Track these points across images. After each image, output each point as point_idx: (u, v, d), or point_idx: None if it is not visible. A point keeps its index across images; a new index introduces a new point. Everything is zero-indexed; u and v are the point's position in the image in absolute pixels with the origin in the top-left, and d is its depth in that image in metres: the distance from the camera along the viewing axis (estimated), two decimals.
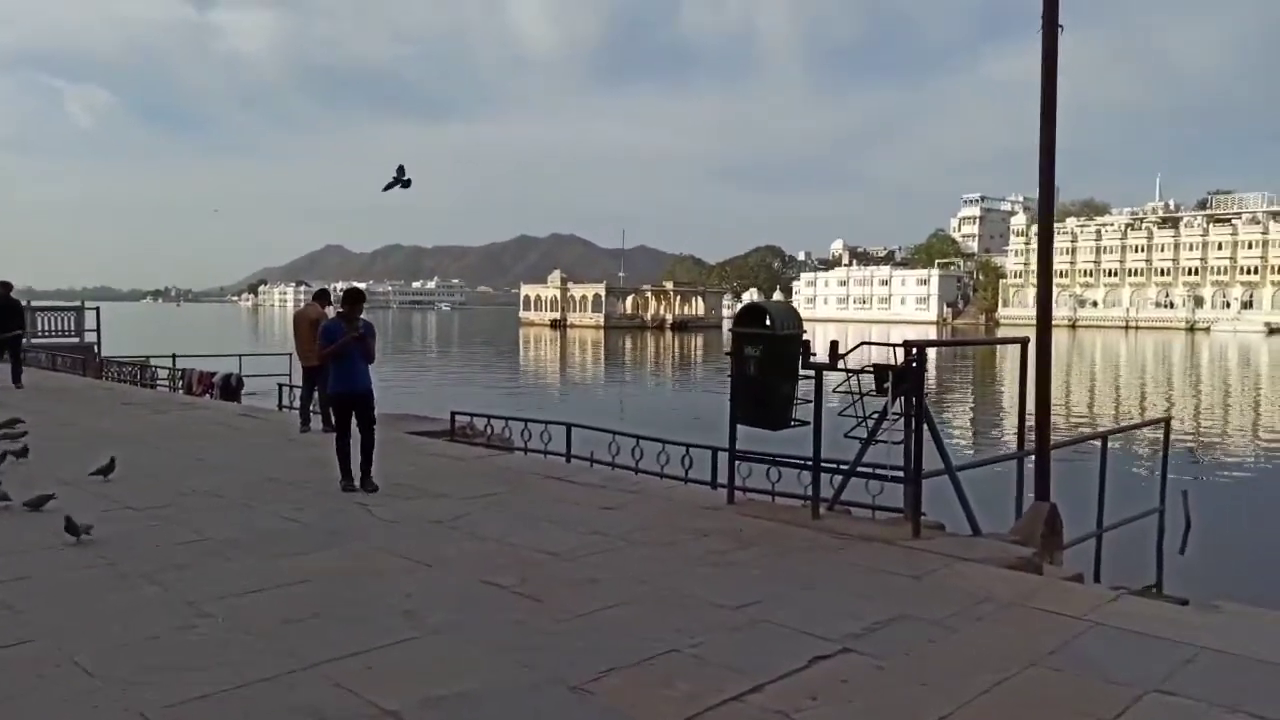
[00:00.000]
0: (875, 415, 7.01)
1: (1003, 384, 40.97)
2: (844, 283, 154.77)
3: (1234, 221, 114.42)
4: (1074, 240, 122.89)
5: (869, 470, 7.18)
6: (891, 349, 7.15)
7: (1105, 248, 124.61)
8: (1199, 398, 36.75)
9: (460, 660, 4.29)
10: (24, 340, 18.25)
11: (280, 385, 18.72)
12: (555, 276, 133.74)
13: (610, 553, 6.19)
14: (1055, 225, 8.63)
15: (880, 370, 6.93)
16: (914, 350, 6.88)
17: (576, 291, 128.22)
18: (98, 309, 27.69)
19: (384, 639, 4.49)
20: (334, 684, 3.98)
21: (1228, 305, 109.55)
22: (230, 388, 19.51)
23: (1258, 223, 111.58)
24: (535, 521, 7.05)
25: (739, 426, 7.55)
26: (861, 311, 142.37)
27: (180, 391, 20.01)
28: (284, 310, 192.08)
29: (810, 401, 7.22)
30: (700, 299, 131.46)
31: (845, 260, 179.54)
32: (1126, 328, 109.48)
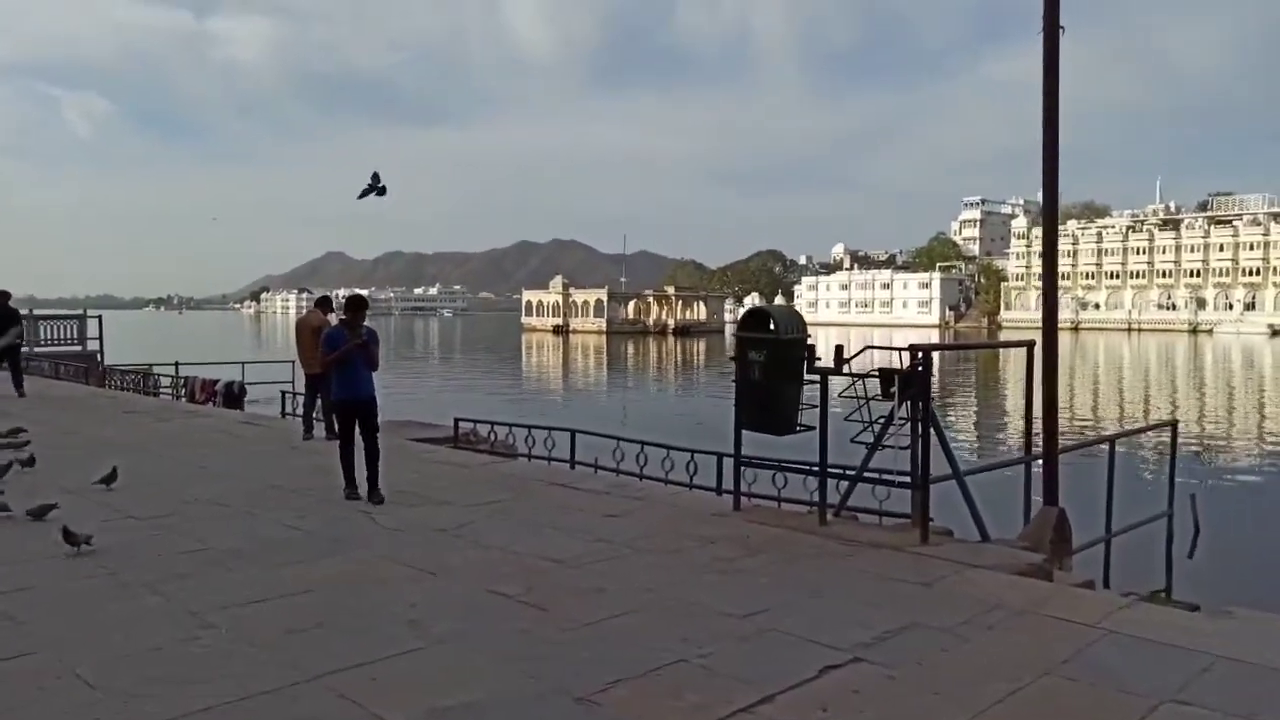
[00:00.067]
0: (881, 420, 6.95)
1: (1006, 387, 40.90)
2: (845, 286, 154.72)
3: (1235, 223, 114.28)
4: (1075, 243, 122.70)
5: (876, 476, 7.11)
6: (897, 353, 7.11)
7: (1106, 250, 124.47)
8: (1204, 400, 36.66)
9: (465, 670, 4.24)
10: (22, 348, 18.17)
11: (283, 393, 18.67)
12: (557, 282, 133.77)
13: (616, 560, 6.14)
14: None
15: (886, 374, 6.88)
16: (920, 354, 6.83)
17: (578, 297, 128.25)
18: (100, 317, 27.69)
19: (388, 649, 4.44)
20: (338, 695, 3.93)
21: (1230, 307, 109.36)
22: (233, 395, 19.45)
23: (1259, 224, 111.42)
24: (540, 529, 7.00)
25: (744, 432, 7.51)
26: (863, 315, 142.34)
27: (183, 399, 19.96)
28: (286, 318, 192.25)
29: (815, 406, 7.16)
30: (702, 304, 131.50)
31: (846, 264, 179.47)
32: (1129, 330, 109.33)
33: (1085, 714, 3.85)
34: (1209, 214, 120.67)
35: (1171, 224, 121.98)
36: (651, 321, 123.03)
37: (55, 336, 26.65)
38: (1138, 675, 4.24)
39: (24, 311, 26.86)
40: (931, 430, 6.72)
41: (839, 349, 7.18)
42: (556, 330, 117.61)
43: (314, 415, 11.92)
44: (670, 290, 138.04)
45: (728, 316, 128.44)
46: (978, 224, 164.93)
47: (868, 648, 4.51)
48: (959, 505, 7.20)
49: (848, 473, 7.33)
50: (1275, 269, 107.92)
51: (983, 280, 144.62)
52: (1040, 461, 8.06)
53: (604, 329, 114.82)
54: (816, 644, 4.56)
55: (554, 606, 5.12)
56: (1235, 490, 17.34)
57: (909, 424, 6.76)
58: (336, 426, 8.77)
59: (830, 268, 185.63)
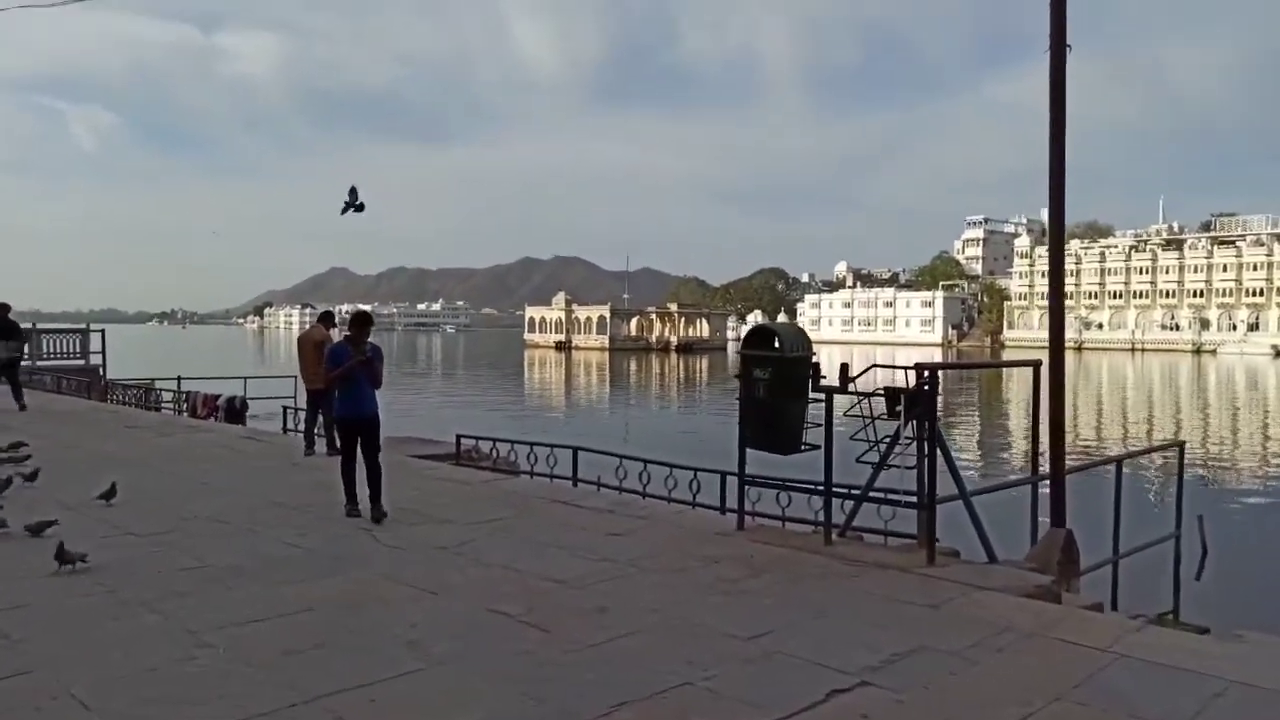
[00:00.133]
0: (887, 439, 6.90)
1: (1009, 407, 40.80)
2: (848, 304, 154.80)
3: (1238, 244, 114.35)
4: (1078, 262, 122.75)
5: (881, 495, 7.05)
6: (903, 371, 7.05)
7: (1109, 270, 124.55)
8: (1209, 421, 36.52)
9: (466, 693, 4.17)
10: (23, 361, 18.15)
11: (285, 408, 18.63)
12: (560, 298, 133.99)
13: (619, 580, 6.07)
14: None
15: (892, 393, 6.83)
16: (926, 373, 6.78)
17: (581, 313, 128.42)
18: (103, 331, 27.71)
19: (388, 670, 4.38)
20: (336, 718, 3.86)
21: (1234, 327, 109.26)
22: (235, 410, 19.41)
23: (1262, 245, 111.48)
24: (542, 547, 6.93)
25: (748, 450, 7.44)
26: (866, 333, 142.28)
27: (185, 414, 19.92)
28: (289, 332, 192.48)
29: (820, 425, 7.10)
30: (705, 321, 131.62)
31: (849, 282, 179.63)
32: (1133, 350, 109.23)
33: None
34: (1212, 234, 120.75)
35: (1175, 244, 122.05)
36: (654, 338, 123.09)
37: (58, 350, 26.65)
38: (1151, 701, 4.17)
39: (27, 325, 26.93)
40: (938, 450, 6.67)
41: (844, 367, 7.13)
42: (559, 347, 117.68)
43: (315, 431, 11.87)
44: (673, 307, 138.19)
45: (730, 334, 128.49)
46: (981, 243, 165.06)
47: (875, 671, 4.44)
48: (964, 526, 7.13)
49: (853, 492, 7.26)
50: (1279, 289, 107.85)
51: (985, 299, 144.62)
52: (1047, 482, 8.00)
53: (607, 346, 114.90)
54: (823, 667, 4.48)
55: (556, 627, 5.05)
56: (1243, 512, 17.22)
57: (915, 443, 6.70)
58: (338, 443, 8.72)
59: (833, 286, 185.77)
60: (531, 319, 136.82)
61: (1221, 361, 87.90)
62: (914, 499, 6.75)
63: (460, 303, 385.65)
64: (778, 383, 7.15)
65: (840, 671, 4.42)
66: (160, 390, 22.33)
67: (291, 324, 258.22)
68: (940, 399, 6.95)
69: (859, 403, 7.00)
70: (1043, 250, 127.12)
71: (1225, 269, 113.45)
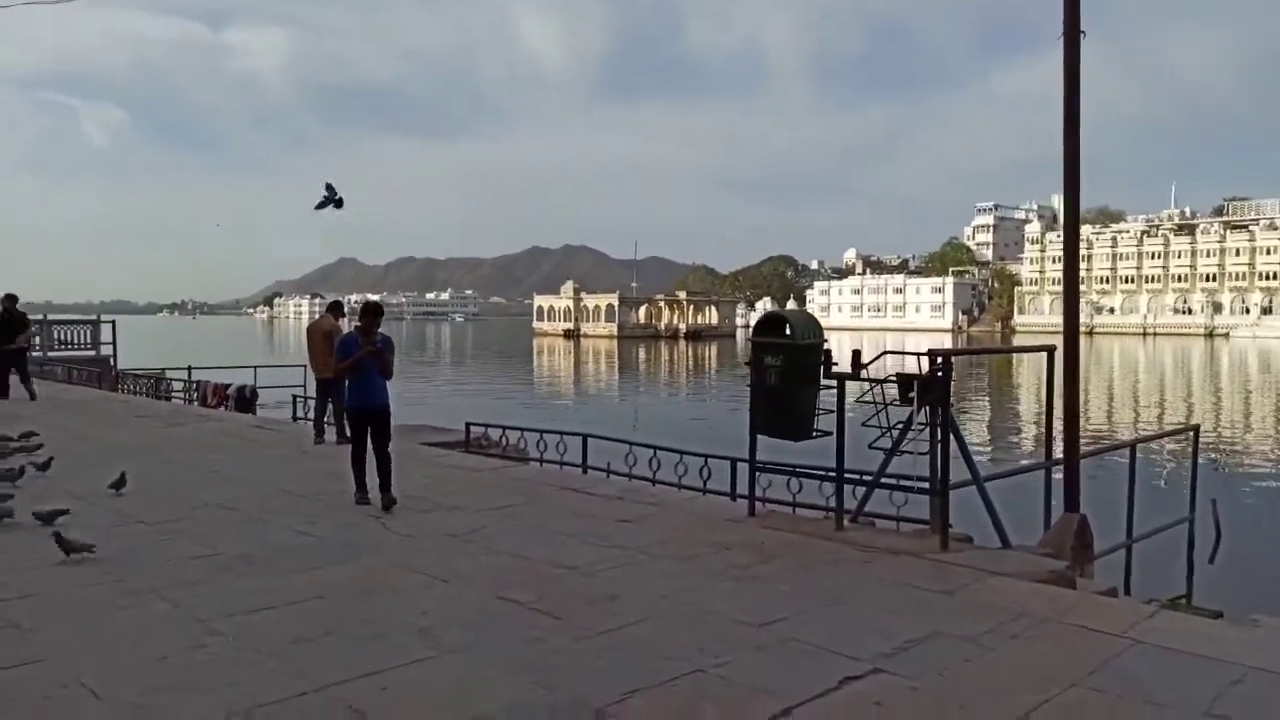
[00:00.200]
0: (899, 425, 6.84)
1: (1019, 391, 40.62)
2: (858, 291, 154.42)
3: (1251, 228, 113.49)
4: (1090, 247, 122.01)
5: (894, 481, 7.00)
6: (916, 358, 6.99)
7: (1121, 255, 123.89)
8: (1223, 405, 36.29)
9: (478, 681, 4.15)
10: (32, 352, 18.21)
11: (294, 397, 18.68)
12: (568, 287, 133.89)
13: (630, 567, 6.04)
14: None
15: (905, 380, 6.77)
16: (939, 359, 6.71)
17: (590, 302, 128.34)
18: (113, 322, 27.77)
19: (399, 658, 4.36)
20: (347, 706, 3.84)
21: (1247, 311, 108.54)
22: (245, 400, 19.48)
23: (1276, 228, 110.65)
24: (552, 535, 6.91)
25: (758, 437, 7.40)
26: (876, 320, 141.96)
27: (195, 404, 19.99)
28: (299, 322, 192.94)
29: (832, 411, 7.06)
30: (714, 308, 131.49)
31: (859, 269, 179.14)
32: (1144, 334, 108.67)
33: None
34: (1225, 218, 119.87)
35: (1187, 229, 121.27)
36: (663, 326, 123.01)
37: (69, 341, 26.76)
38: (1167, 687, 4.12)
39: (39, 317, 27.05)
40: (950, 435, 6.60)
41: (856, 354, 7.07)
42: (568, 335, 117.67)
43: (325, 419, 11.88)
44: (682, 295, 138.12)
45: (739, 321, 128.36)
46: (991, 229, 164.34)
47: (888, 658, 4.40)
48: (976, 511, 7.07)
49: (865, 479, 7.21)
50: None
51: (996, 285, 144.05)
52: (1060, 467, 7.93)
53: (615, 333, 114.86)
54: (836, 654, 4.45)
55: (567, 614, 5.03)
56: (1256, 495, 17.10)
57: (927, 429, 6.64)
58: (349, 432, 8.71)
59: (842, 273, 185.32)
60: (540, 307, 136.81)
61: (1234, 345, 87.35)
62: (927, 484, 6.70)
63: (469, 292, 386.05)
64: (789, 370, 7.10)
65: (853, 658, 4.38)
66: (171, 380, 22.40)
67: (301, 314, 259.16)
68: (952, 385, 6.87)
69: (871, 389, 6.94)
70: (1053, 236, 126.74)
71: (1238, 253, 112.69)
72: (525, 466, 11.09)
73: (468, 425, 13.26)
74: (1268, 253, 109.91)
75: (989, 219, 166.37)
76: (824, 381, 7.14)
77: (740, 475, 8.64)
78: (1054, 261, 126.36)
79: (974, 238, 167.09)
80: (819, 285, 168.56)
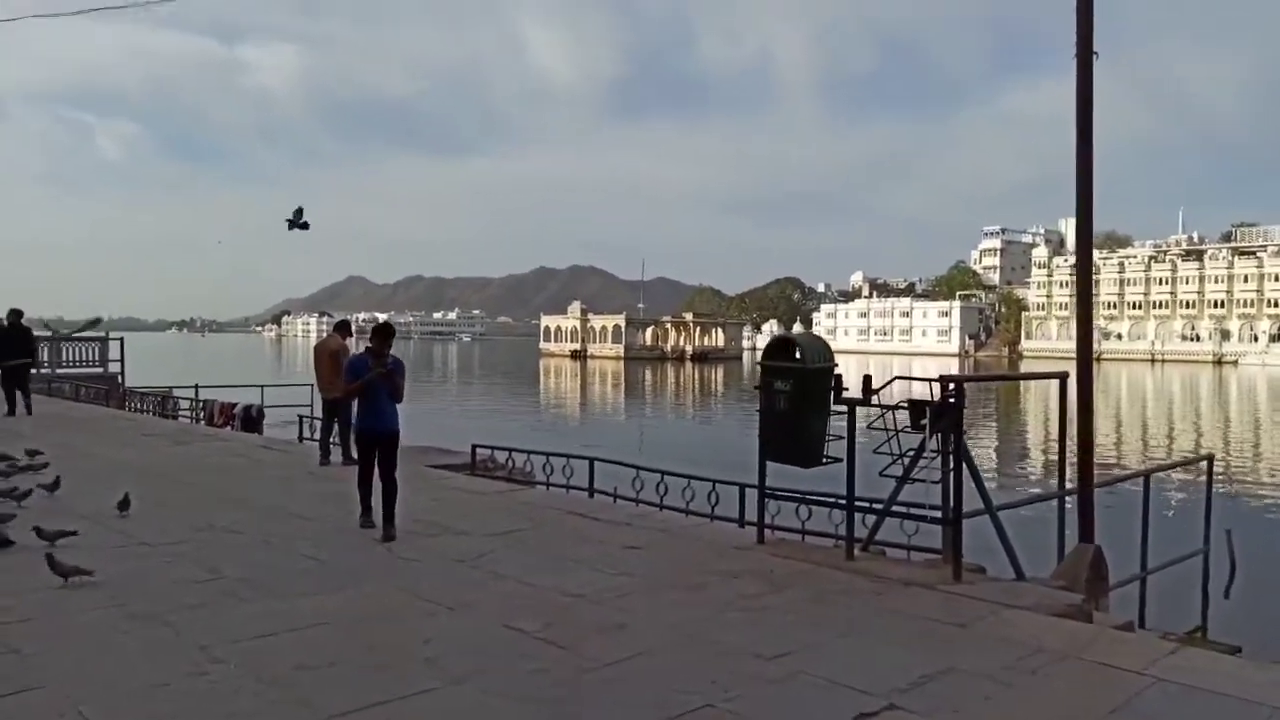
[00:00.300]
0: (911, 452, 6.75)
1: (1028, 419, 40.40)
2: (864, 314, 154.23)
3: (1259, 254, 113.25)
4: (1097, 272, 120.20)
5: (905, 510, 6.90)
6: (927, 384, 6.91)
7: (1129, 280, 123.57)
8: (1234, 434, 36.00)
9: (484, 712, 4.06)
10: (36, 369, 18.23)
11: (301, 417, 18.65)
12: (575, 307, 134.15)
13: (637, 595, 5.95)
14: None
15: (917, 406, 6.69)
16: (952, 385, 6.64)
17: (596, 322, 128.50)
18: (121, 339, 27.83)
19: (403, 689, 4.28)
20: None
21: (1255, 338, 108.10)
22: (251, 419, 19.43)
23: None
24: (559, 561, 6.82)
25: (768, 463, 7.31)
26: (882, 343, 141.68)
27: (202, 423, 19.96)
28: (307, 341, 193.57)
29: (843, 438, 6.97)
30: (720, 330, 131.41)
31: (865, 292, 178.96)
32: (1152, 360, 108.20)
33: None
34: (1233, 244, 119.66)
35: (1195, 254, 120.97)
36: (669, 347, 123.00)
37: (77, 358, 26.80)
38: None
39: (49, 334, 27.11)
40: (963, 464, 6.52)
41: (867, 379, 7.00)
42: (574, 355, 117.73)
43: (331, 440, 11.82)
44: (688, 316, 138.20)
45: (745, 343, 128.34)
46: (998, 253, 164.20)
47: (903, 693, 4.30)
48: (987, 540, 6.97)
49: (875, 506, 7.12)
50: None
51: (1003, 309, 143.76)
52: (1073, 496, 7.83)
53: (622, 355, 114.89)
54: (849, 688, 4.35)
55: (574, 644, 4.94)
56: (1271, 527, 16.90)
57: (939, 457, 6.56)
58: (355, 453, 8.64)
59: (849, 295, 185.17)
60: (547, 328, 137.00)
61: (1243, 372, 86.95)
62: (939, 514, 6.60)
63: (476, 311, 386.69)
64: (799, 395, 7.02)
65: (866, 693, 4.28)
66: (178, 398, 22.41)
67: (309, 332, 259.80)
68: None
69: (882, 415, 6.85)
70: (1060, 260, 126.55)
71: (1246, 279, 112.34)
72: (531, 490, 11.01)
73: (474, 447, 13.19)
74: (1276, 279, 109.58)
75: (996, 243, 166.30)
76: (834, 407, 7.07)
77: (749, 501, 8.55)
78: (1061, 286, 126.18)
79: (980, 261, 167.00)
80: (825, 308, 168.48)
